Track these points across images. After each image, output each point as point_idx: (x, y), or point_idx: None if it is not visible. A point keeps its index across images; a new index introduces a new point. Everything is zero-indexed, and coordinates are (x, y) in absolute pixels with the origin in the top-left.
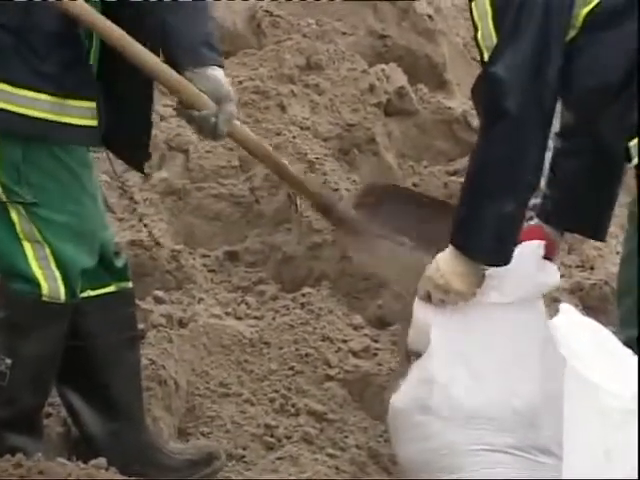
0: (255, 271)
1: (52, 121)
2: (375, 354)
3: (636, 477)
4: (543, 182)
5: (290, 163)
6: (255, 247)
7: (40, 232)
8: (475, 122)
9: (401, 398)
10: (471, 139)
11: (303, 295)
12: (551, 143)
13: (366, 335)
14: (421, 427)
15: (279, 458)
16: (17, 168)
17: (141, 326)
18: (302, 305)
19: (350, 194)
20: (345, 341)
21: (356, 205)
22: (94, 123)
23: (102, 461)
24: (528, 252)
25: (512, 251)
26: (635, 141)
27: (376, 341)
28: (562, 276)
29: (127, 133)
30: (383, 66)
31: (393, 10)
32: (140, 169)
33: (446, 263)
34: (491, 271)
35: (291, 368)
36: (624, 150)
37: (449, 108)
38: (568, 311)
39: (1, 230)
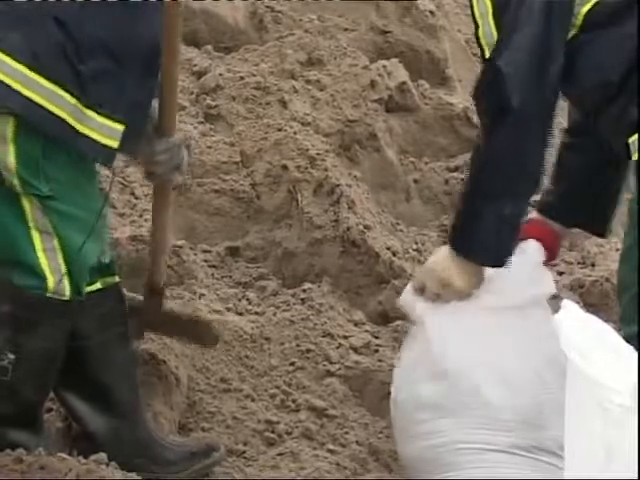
0: (256, 267)
1: (71, 125)
2: (376, 350)
3: (636, 475)
4: (546, 179)
5: (291, 159)
6: (256, 243)
7: (53, 224)
8: (476, 118)
9: (403, 395)
10: (472, 135)
11: (304, 291)
12: (556, 140)
13: (367, 331)
14: (423, 425)
15: (279, 454)
16: (36, 162)
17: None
18: (303, 301)
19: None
20: (346, 337)
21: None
22: (110, 143)
23: (102, 456)
24: (525, 259)
25: (511, 253)
26: (635, 137)
27: (377, 337)
28: (563, 273)
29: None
30: (384, 62)
31: (395, 6)
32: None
33: (452, 259)
34: (489, 274)
35: (292, 364)
36: (624, 147)
37: (450, 104)
38: (569, 307)
39: (10, 218)
